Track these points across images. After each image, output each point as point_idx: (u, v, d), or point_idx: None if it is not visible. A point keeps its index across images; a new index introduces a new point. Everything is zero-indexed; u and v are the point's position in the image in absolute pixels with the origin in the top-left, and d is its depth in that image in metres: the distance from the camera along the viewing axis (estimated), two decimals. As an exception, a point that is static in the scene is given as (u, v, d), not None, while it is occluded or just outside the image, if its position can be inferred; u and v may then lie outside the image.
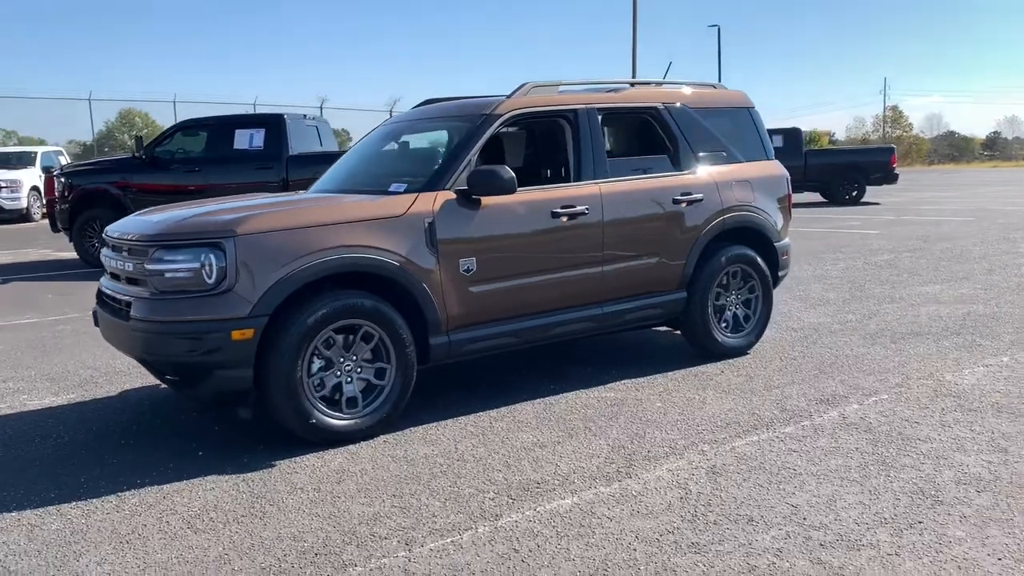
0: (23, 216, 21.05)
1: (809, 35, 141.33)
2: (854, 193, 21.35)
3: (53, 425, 4.83)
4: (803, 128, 23.36)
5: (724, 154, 5.85)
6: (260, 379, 4.14)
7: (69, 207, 12.18)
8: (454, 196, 4.64)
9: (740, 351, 5.86)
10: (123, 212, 8.56)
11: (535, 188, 5.06)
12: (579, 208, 5.01)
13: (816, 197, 22.35)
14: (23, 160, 22.21)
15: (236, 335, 4.02)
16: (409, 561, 3.05)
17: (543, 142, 5.75)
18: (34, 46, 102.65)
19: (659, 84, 5.95)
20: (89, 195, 12.16)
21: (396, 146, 5.57)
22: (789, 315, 7.22)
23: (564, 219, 4.96)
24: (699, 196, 5.54)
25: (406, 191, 4.67)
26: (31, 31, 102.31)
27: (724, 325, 5.82)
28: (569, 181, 5.19)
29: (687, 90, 5.94)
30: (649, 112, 5.64)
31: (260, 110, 30.44)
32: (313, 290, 4.22)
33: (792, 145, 21.36)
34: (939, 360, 5.60)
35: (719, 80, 39.35)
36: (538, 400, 4.96)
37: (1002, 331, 6.36)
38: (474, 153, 4.84)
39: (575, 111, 5.24)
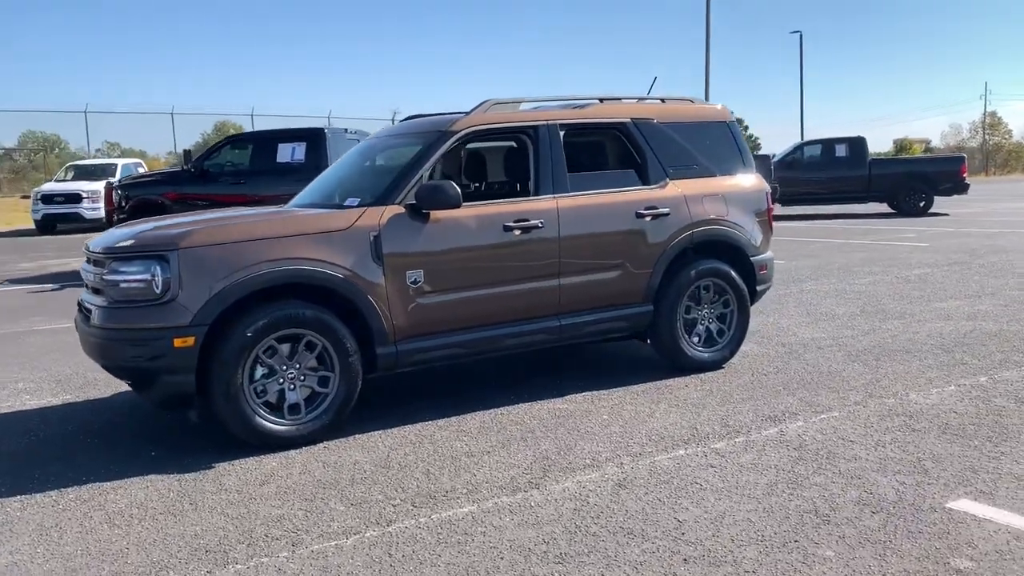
0: (104, 226, 22.20)
1: (905, 39, 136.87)
2: (921, 204, 20.67)
3: (37, 423, 5.18)
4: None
5: (696, 168, 5.85)
6: (204, 385, 4.37)
7: (126, 217, 12.81)
8: (403, 210, 4.80)
9: (713, 365, 5.84)
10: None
11: (488, 202, 5.19)
12: (533, 222, 5.10)
13: (883, 208, 21.74)
14: (105, 172, 23.40)
15: (178, 342, 4.26)
16: (288, 561, 3.21)
17: (503, 158, 5.87)
18: (122, 63, 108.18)
19: (640, 100, 5.99)
20: (143, 205, 12.75)
21: (367, 163, 5.77)
22: (786, 330, 7.13)
23: (517, 232, 5.06)
24: (664, 210, 5.57)
25: (358, 205, 4.85)
26: (124, 47, 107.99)
27: (696, 339, 5.81)
28: (528, 196, 5.29)
29: (659, 105, 5.96)
30: (617, 128, 5.70)
31: (334, 123, 31.40)
32: (258, 301, 4.43)
33: (856, 155, 20.89)
34: (913, 378, 5.48)
35: (800, 88, 38.43)
36: (491, 411, 5.06)
37: (995, 350, 6.15)
38: (427, 169, 4.99)
39: (535, 127, 5.34)
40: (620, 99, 5.92)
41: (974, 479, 3.76)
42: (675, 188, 5.69)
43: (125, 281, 4.35)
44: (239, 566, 3.19)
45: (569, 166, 5.43)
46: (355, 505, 3.73)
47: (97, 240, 4.92)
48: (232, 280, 4.33)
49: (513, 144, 5.59)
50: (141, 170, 23.97)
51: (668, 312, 5.64)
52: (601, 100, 5.83)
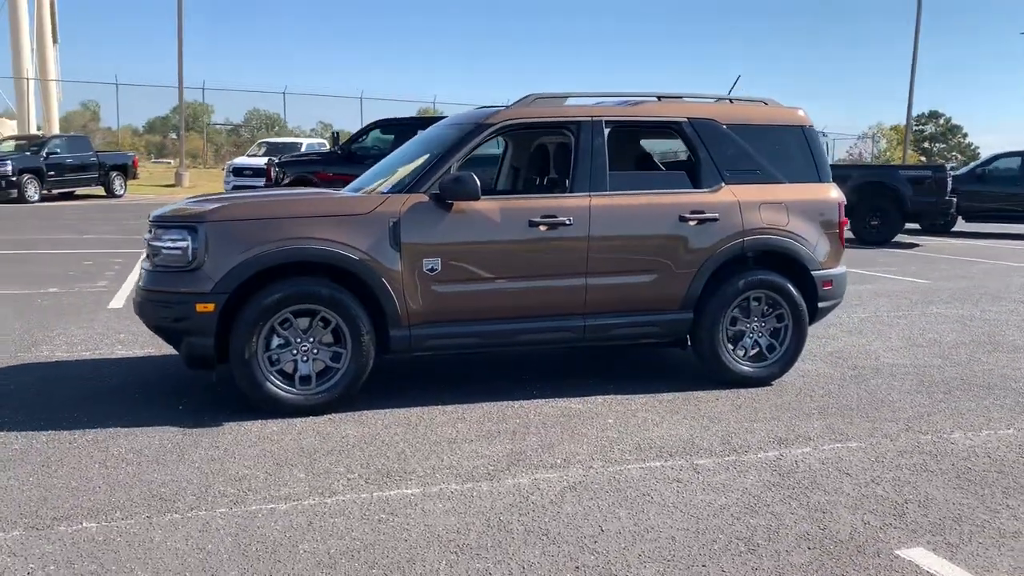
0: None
1: None
2: None
3: (109, 371, 5.75)
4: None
5: (758, 173, 5.59)
6: (223, 349, 4.72)
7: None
8: (426, 199, 4.93)
9: (759, 381, 5.58)
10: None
11: (516, 196, 5.22)
12: (561, 219, 5.08)
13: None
14: (292, 148, 25.15)
15: (199, 307, 4.62)
16: (220, 517, 3.44)
17: (541, 153, 5.84)
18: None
19: (700, 99, 5.80)
20: (298, 182, 13.72)
21: (419, 150, 5.94)
22: (870, 352, 6.66)
23: (542, 228, 5.07)
24: (712, 215, 5.36)
25: (389, 191, 5.03)
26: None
27: (742, 352, 5.57)
28: (562, 192, 5.27)
29: (724, 106, 5.74)
30: (671, 127, 5.55)
31: (439, 107, 32.27)
32: (279, 275, 4.72)
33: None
34: (969, 417, 4.99)
35: None
36: (502, 402, 5.11)
37: (1094, 396, 5.47)
38: (457, 160, 5.10)
39: (577, 123, 5.30)
40: (681, 98, 5.74)
41: (950, 529, 3.42)
42: (729, 193, 5.46)
43: (165, 248, 4.75)
44: (176, 515, 3.45)
45: (614, 164, 5.36)
46: (315, 475, 3.92)
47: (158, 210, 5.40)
48: (252, 254, 4.63)
49: (555, 139, 5.56)
50: (324, 149, 25.59)
51: (709, 322, 5.44)
52: (659, 98, 5.69)
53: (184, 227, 4.72)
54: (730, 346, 5.54)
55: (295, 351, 4.80)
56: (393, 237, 4.83)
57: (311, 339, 4.81)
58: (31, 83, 37.42)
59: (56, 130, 36.69)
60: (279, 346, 4.78)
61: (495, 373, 5.82)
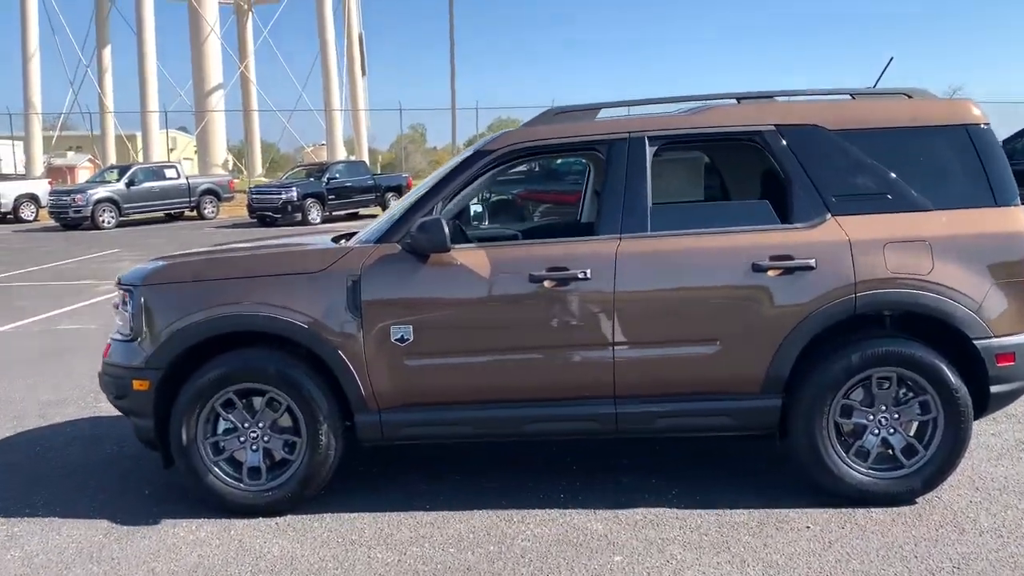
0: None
1: None
2: None
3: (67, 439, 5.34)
4: None
5: (889, 198, 3.87)
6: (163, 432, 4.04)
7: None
8: (396, 251, 3.90)
9: (889, 498, 3.85)
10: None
11: (513, 244, 4.00)
12: (573, 271, 3.80)
13: None
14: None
15: (136, 384, 3.98)
16: None
17: (560, 183, 4.48)
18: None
19: (809, 96, 4.17)
20: (498, 203, 13.16)
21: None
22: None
23: (548, 284, 3.82)
24: (807, 262, 3.76)
25: (362, 241, 4.07)
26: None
27: (860, 456, 3.88)
28: (582, 235, 3.97)
29: (836, 104, 4.07)
30: (750, 139, 4.00)
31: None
32: (222, 347, 3.96)
33: None
34: None
35: None
36: (497, 512, 3.93)
37: None
38: (447, 198, 4.02)
39: (608, 143, 3.97)
40: (772, 97, 4.16)
41: None
42: (835, 229, 3.81)
43: (120, 314, 4.19)
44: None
45: (660, 194, 3.98)
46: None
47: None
48: (186, 323, 3.91)
49: (577, 164, 4.25)
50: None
51: (806, 411, 3.83)
52: (739, 99, 4.16)
53: (126, 290, 4.12)
54: (839, 447, 3.87)
55: (242, 438, 4.00)
56: (352, 299, 3.85)
57: (260, 424, 3.98)
58: (340, 114, 40.86)
59: (365, 155, 39.63)
60: (227, 431, 4.01)
61: (505, 453, 4.61)
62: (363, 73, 44.34)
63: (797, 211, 3.87)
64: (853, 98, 4.13)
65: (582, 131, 4.04)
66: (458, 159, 4.25)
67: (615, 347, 3.83)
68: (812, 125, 3.95)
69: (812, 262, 3.77)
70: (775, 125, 3.96)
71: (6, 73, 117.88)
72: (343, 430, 3.96)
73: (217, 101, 37.13)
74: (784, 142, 3.93)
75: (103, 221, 24.01)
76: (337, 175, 25.46)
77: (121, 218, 24.51)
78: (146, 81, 37.18)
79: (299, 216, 23.40)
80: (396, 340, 3.85)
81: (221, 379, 3.90)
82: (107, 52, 40.48)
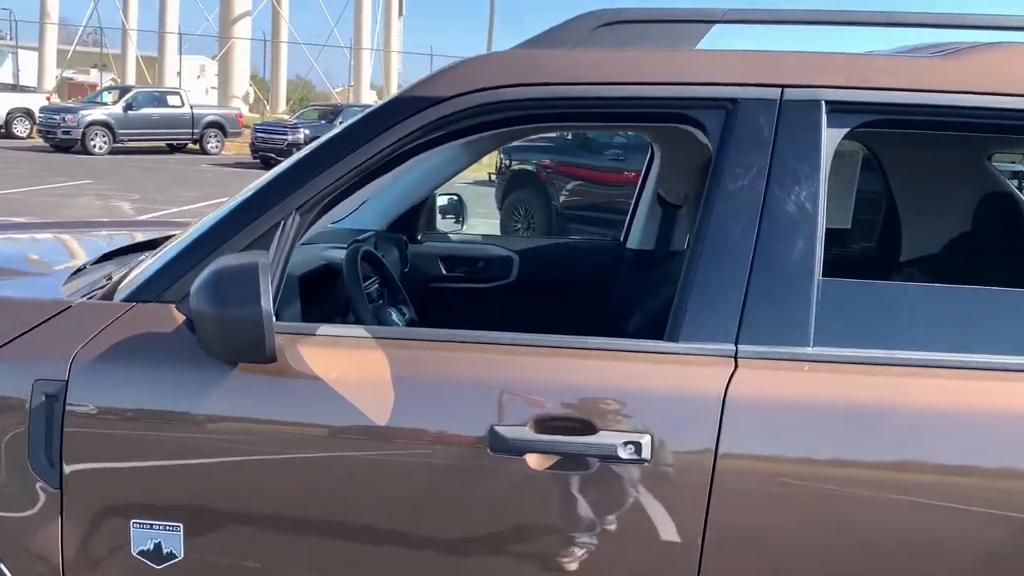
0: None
1: None
2: None
3: None
4: None
5: None
6: None
7: (506, 182, 11.30)
8: (173, 324, 1.56)
9: None
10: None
11: (453, 343, 1.62)
12: (602, 440, 1.43)
13: None
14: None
15: None
16: None
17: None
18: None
19: None
20: (517, 174, 11.03)
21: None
22: None
23: (537, 464, 1.46)
24: None
25: (85, 293, 1.73)
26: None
27: None
28: (658, 339, 1.59)
29: None
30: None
31: None
32: None
33: None
34: None
35: None
36: None
37: None
38: (296, 211, 1.68)
39: (729, 107, 1.56)
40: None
41: None
42: None
43: None
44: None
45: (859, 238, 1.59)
46: None
47: None
48: None
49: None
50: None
51: None
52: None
53: None
54: None
55: None
56: (41, 444, 1.52)
57: None
58: (369, 54, 38.51)
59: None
60: None
61: None
62: (399, 13, 41.78)
63: None
64: None
65: (666, 73, 1.61)
66: (361, 115, 1.86)
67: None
68: None
69: None
70: None
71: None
72: None
73: (243, 29, 34.71)
74: None
75: (94, 146, 21.68)
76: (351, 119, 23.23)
77: (115, 144, 22.07)
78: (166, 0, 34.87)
79: (306, 156, 21.22)
80: (140, 553, 1.53)
81: None
82: (132, -37, 38.18)
